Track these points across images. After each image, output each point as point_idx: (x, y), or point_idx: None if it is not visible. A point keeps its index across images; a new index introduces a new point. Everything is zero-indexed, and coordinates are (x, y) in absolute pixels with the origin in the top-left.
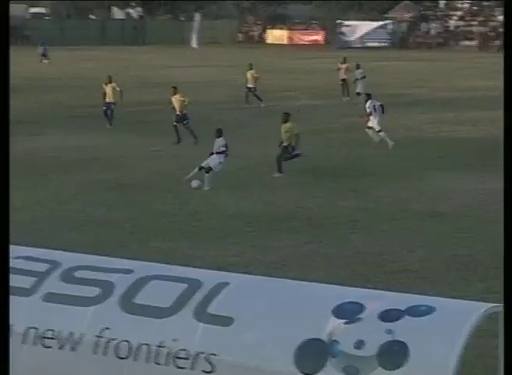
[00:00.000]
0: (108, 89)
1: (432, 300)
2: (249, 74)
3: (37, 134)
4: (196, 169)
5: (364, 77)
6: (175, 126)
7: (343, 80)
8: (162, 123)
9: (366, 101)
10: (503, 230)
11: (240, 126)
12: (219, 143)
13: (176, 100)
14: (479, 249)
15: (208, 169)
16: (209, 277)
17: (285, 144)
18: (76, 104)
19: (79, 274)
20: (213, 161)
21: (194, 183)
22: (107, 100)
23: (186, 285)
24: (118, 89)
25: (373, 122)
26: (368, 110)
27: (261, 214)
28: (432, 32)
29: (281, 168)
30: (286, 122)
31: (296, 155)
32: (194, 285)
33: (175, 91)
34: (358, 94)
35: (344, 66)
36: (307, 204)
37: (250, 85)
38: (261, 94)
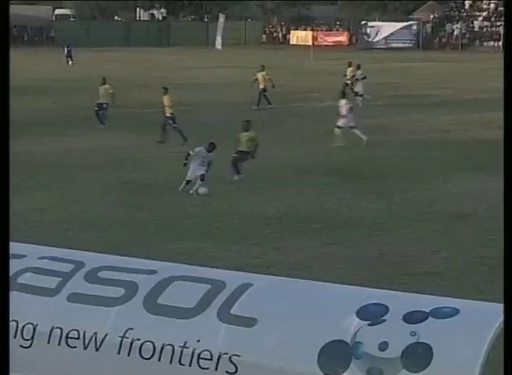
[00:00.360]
0: (102, 90)
1: (457, 302)
2: (260, 75)
3: (64, 135)
4: (198, 182)
5: (364, 78)
6: (164, 126)
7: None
8: (185, 124)
9: (340, 99)
10: None
11: (266, 127)
12: (209, 157)
13: (166, 101)
14: None
15: (202, 177)
16: (232, 278)
17: (245, 150)
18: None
19: (103, 275)
20: (198, 170)
21: (201, 190)
22: (99, 101)
23: (209, 286)
24: (110, 91)
25: (342, 121)
26: (343, 110)
27: (283, 215)
28: (457, 33)
29: (239, 170)
30: (247, 130)
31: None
32: (218, 286)
33: (165, 91)
34: (356, 94)
35: (350, 69)
36: (330, 205)
37: (261, 86)
38: (283, 96)
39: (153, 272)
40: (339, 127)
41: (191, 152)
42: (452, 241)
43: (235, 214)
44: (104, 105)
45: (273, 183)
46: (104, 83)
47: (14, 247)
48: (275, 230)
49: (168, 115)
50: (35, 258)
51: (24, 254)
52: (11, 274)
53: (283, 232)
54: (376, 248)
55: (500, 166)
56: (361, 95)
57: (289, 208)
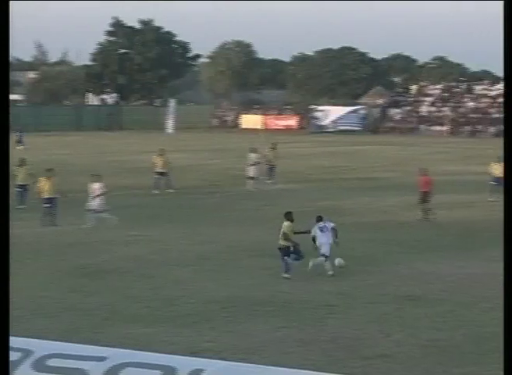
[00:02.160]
0: (21, 172)
1: None
2: (159, 159)
3: (14, 219)
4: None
5: (258, 163)
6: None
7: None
8: (139, 208)
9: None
10: (480, 316)
11: (217, 210)
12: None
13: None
14: (457, 334)
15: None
16: (184, 364)
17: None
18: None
19: (52, 363)
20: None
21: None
22: (20, 182)
23: (160, 372)
24: (29, 172)
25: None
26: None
27: (236, 298)
28: (404, 117)
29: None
30: (289, 220)
31: None
32: (169, 372)
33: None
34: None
35: (274, 151)
36: (283, 288)
37: (160, 170)
38: (236, 179)
39: (103, 359)
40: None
41: (312, 234)
42: (404, 323)
43: (188, 298)
44: (27, 187)
45: (226, 267)
46: (22, 165)
47: None
48: (228, 313)
49: (46, 197)
50: None
51: None
52: None
53: (236, 316)
54: (329, 331)
55: (451, 248)
56: (253, 178)
57: (242, 291)
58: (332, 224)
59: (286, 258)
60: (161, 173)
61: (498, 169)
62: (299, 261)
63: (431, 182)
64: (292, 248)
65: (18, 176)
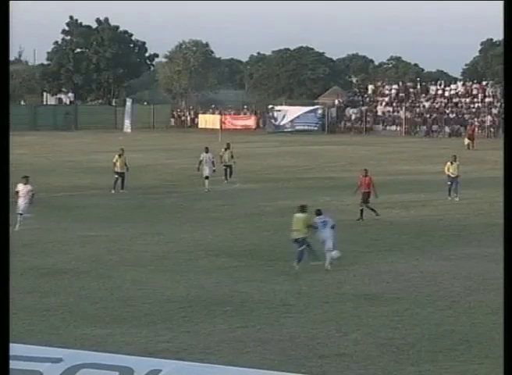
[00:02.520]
0: None
1: None
2: (119, 159)
3: None
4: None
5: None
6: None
7: (228, 165)
8: (96, 208)
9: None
10: (435, 314)
11: (174, 210)
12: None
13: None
14: (413, 332)
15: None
16: (141, 364)
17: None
18: None
19: None
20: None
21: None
22: None
23: (117, 373)
24: None
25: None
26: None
27: (193, 298)
28: (354, 117)
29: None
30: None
31: None
32: (126, 373)
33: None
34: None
35: (228, 151)
36: (240, 288)
37: (119, 170)
38: (192, 179)
39: (59, 360)
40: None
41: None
42: (361, 322)
43: (145, 298)
44: None
45: (183, 266)
46: None
47: None
48: (185, 313)
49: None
50: None
51: None
52: None
53: (194, 315)
54: (287, 331)
55: (408, 247)
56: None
57: (199, 291)
58: (332, 222)
59: (304, 247)
60: (120, 173)
61: (452, 169)
62: (300, 261)
63: (371, 182)
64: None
65: None
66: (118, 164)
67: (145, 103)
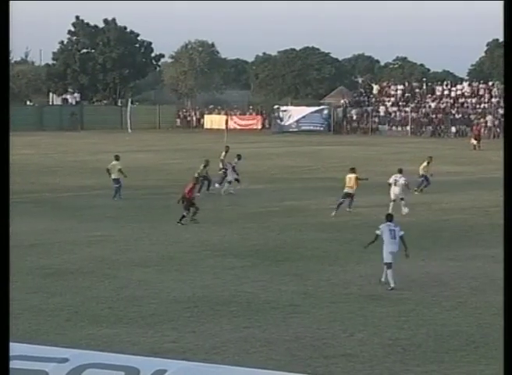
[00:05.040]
0: None
1: None
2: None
3: None
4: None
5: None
6: None
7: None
8: (102, 208)
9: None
10: (441, 314)
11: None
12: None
13: None
14: (419, 333)
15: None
16: (146, 364)
17: None
18: (13, 190)
19: (12, 364)
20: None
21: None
22: None
23: (122, 373)
24: None
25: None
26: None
27: (199, 298)
28: (366, 117)
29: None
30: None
31: None
32: (131, 373)
33: None
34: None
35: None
36: (247, 288)
37: (114, 177)
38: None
39: (65, 360)
40: None
41: (378, 232)
42: (367, 322)
43: (151, 298)
44: None
45: (189, 267)
46: None
47: None
48: (191, 313)
49: None
50: None
51: None
52: None
53: (200, 316)
54: (293, 331)
55: (415, 247)
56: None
57: (205, 291)
58: (401, 232)
59: (344, 200)
60: (116, 180)
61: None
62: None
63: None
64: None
65: None
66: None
67: (140, 103)
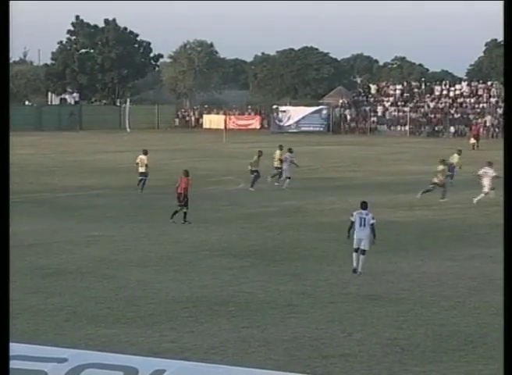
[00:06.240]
0: None
1: None
2: (143, 159)
3: None
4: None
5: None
6: None
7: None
8: (101, 208)
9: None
10: (439, 314)
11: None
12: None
13: None
14: (417, 332)
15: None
16: (145, 364)
17: None
18: (12, 190)
19: (11, 364)
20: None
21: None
22: None
23: (121, 373)
24: None
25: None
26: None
27: (198, 299)
28: (365, 117)
29: None
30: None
31: None
32: (130, 373)
33: None
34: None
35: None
36: (245, 288)
37: (142, 170)
38: (197, 179)
39: (63, 360)
40: None
41: (352, 218)
42: (365, 322)
43: (149, 298)
44: None
45: (188, 267)
46: None
47: None
48: (190, 313)
49: None
50: None
51: None
52: None
53: (198, 316)
54: (291, 331)
55: (412, 247)
56: (289, 178)
57: (204, 291)
58: (372, 220)
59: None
60: (144, 173)
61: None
62: None
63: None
64: None
65: None
66: (142, 163)
67: (138, 103)
